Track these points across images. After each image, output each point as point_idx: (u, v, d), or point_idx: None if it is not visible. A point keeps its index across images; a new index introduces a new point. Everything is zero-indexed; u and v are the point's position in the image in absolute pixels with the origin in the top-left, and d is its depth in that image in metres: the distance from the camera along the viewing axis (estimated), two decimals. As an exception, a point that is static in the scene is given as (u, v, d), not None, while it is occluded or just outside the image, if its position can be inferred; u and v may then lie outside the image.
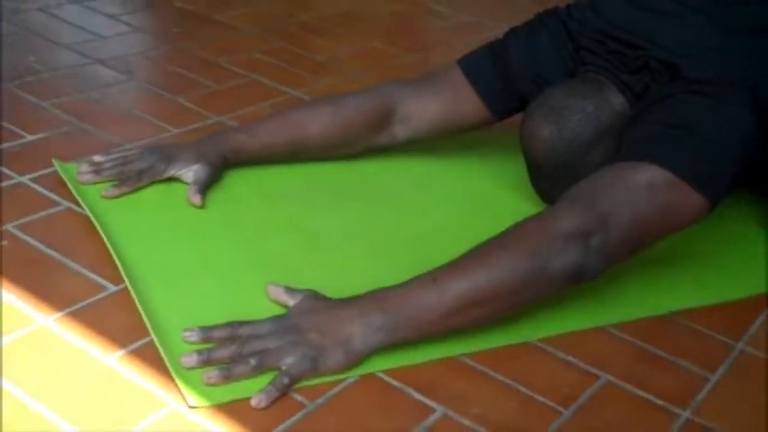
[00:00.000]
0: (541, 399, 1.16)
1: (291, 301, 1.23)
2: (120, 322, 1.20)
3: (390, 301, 1.18)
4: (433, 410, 1.12)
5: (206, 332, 1.17)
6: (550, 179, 1.51)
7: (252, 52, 2.20)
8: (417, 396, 1.14)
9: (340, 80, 2.09)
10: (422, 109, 1.61)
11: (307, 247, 1.42)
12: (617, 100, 1.49)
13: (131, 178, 1.48)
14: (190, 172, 1.50)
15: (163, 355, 1.14)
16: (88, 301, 1.24)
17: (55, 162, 1.54)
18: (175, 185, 1.50)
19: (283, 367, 1.13)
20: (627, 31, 1.50)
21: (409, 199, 1.61)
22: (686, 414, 1.17)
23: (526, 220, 1.25)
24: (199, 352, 1.13)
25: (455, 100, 1.61)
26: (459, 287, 1.17)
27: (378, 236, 1.48)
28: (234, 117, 1.82)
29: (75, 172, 1.51)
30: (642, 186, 1.28)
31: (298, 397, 1.12)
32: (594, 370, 1.23)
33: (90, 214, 1.40)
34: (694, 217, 1.32)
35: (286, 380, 1.11)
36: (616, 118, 1.48)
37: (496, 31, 1.77)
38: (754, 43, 1.43)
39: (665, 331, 1.34)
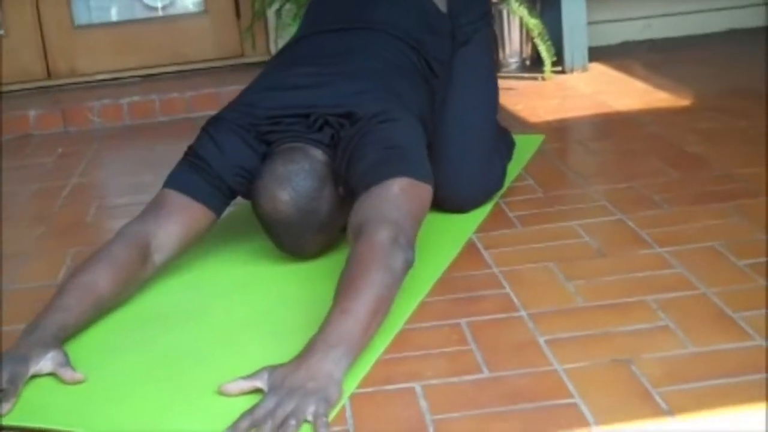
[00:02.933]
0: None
1: (258, 382, 1.47)
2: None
3: (331, 337, 1.50)
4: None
5: (235, 429, 1.38)
6: (298, 232, 1.91)
7: None
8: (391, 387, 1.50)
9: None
10: (169, 236, 1.87)
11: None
12: (318, 155, 1.92)
13: (8, 392, 1.53)
14: (48, 362, 1.60)
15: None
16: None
17: None
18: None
19: (310, 417, 1.40)
20: (292, 107, 1.95)
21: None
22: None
23: (358, 250, 1.64)
24: (233, 430, 1.36)
25: (189, 217, 1.90)
26: (362, 308, 1.54)
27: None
28: None
29: None
30: (399, 194, 1.76)
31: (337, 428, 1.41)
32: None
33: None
34: (430, 196, 1.83)
35: (323, 420, 1.39)
36: (325, 166, 1.92)
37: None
38: (381, 84, 1.99)
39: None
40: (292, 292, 1.89)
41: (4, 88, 3.82)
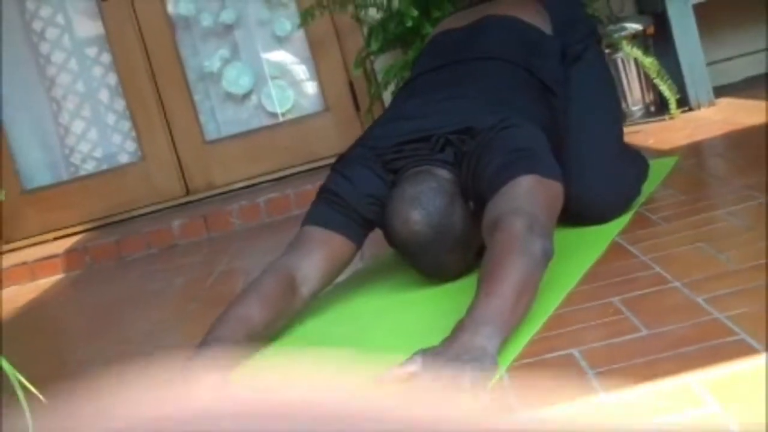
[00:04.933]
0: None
1: (412, 367, 1.46)
2: None
3: (479, 317, 1.48)
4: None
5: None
6: (435, 251, 1.91)
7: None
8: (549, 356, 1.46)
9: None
10: (313, 267, 1.91)
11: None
12: (444, 173, 1.93)
13: None
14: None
15: None
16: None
17: None
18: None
19: (468, 385, 1.37)
20: (412, 133, 1.98)
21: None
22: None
23: (495, 241, 1.63)
24: None
25: (329, 248, 1.94)
26: (507, 289, 1.53)
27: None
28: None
29: None
30: (529, 189, 1.76)
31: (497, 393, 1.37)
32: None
33: None
34: (561, 193, 1.82)
35: (480, 385, 1.36)
36: (452, 183, 1.93)
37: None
38: (497, 99, 2.03)
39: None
40: (441, 308, 1.88)
41: (146, 209, 3.98)
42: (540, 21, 2.27)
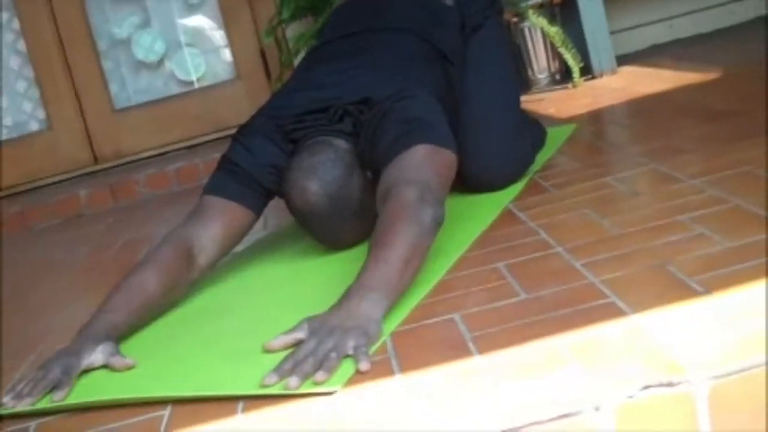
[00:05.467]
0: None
1: (299, 333, 1.49)
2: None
3: (367, 283, 1.52)
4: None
5: (279, 370, 1.39)
6: (332, 221, 1.94)
7: None
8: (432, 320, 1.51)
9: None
10: (211, 237, 1.92)
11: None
12: (342, 144, 1.96)
13: (62, 382, 1.57)
14: (99, 354, 1.64)
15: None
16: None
17: None
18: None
19: (350, 351, 1.41)
20: (312, 103, 2.00)
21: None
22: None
23: (387, 210, 1.66)
24: (277, 371, 1.38)
25: (228, 217, 1.95)
26: (395, 255, 1.56)
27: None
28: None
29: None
30: (422, 159, 1.79)
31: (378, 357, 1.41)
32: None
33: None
34: (454, 161, 1.86)
35: (363, 350, 1.39)
36: (350, 154, 1.95)
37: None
38: (395, 70, 2.06)
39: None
40: (337, 276, 1.90)
41: (54, 178, 3.94)
42: None
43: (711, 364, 1.13)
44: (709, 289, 1.34)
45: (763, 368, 1.12)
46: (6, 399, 1.58)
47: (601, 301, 1.40)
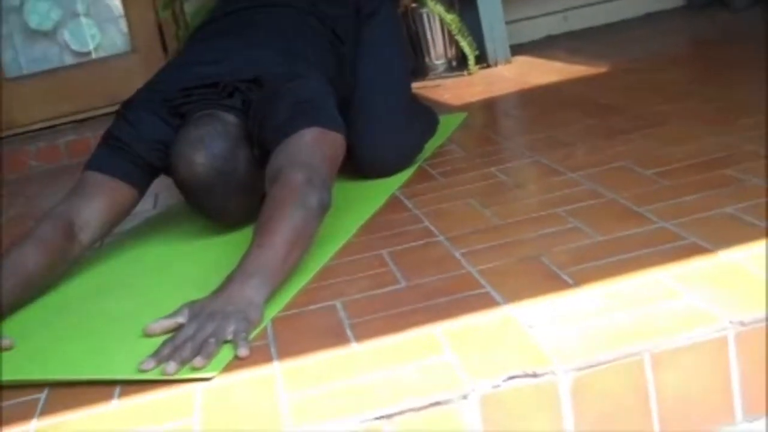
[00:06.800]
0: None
1: (180, 318, 1.50)
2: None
3: (249, 268, 1.53)
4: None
5: (157, 355, 1.40)
6: (219, 194, 1.94)
7: None
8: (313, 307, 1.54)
9: None
10: (93, 214, 1.90)
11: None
12: (230, 118, 1.96)
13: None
14: None
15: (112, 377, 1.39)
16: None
17: None
18: None
19: (230, 336, 1.43)
20: (201, 78, 1.99)
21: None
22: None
23: (273, 193, 1.68)
24: (155, 356, 1.39)
25: (110, 195, 1.94)
26: (278, 239, 1.58)
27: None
28: None
29: None
30: (311, 142, 1.81)
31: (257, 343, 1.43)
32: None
33: None
34: (343, 144, 1.88)
35: (243, 335, 1.41)
36: (238, 128, 1.95)
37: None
38: (286, 49, 2.07)
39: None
40: (222, 258, 1.91)
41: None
42: None
43: (575, 355, 1.18)
44: (577, 281, 1.40)
45: (626, 360, 1.18)
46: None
47: (477, 291, 1.44)
